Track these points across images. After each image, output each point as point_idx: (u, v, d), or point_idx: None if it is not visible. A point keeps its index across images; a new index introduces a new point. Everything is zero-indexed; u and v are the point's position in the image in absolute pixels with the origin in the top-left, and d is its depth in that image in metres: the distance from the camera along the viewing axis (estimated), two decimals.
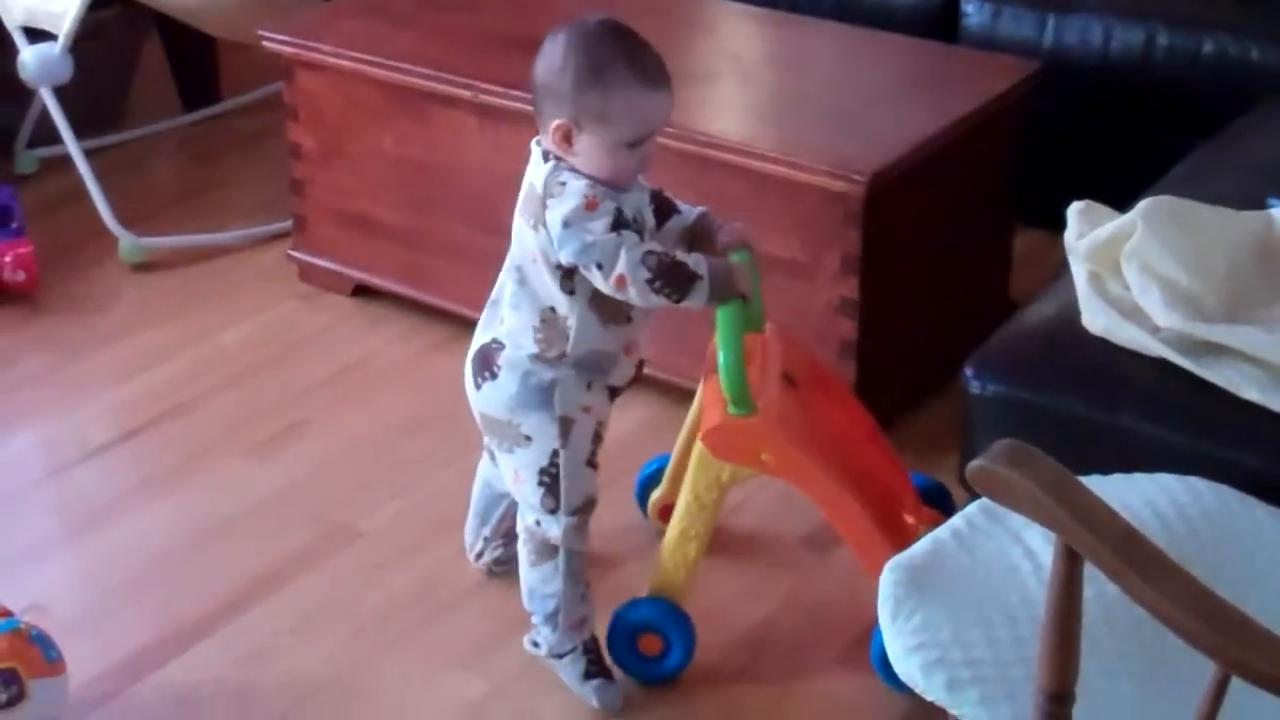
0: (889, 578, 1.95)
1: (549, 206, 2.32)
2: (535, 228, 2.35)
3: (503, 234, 3.23)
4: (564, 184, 2.32)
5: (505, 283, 2.46)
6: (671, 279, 2.32)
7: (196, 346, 3.44)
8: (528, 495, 2.48)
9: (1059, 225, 3.68)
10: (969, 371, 2.39)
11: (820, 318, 3.00)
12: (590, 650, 2.54)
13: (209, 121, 4.44)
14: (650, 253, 2.32)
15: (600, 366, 2.43)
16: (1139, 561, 1.59)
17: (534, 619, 2.54)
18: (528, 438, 2.44)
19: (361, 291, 3.59)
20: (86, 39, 3.78)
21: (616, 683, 2.54)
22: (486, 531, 2.75)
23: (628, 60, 2.31)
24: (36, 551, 2.87)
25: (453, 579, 2.77)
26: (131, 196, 3.93)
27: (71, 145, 3.78)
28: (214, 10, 3.70)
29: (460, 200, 3.34)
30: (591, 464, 2.48)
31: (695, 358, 3.02)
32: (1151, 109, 3.63)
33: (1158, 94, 3.61)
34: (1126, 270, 2.39)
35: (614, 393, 2.50)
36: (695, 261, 2.35)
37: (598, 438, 2.48)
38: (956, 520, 2.07)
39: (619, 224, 2.32)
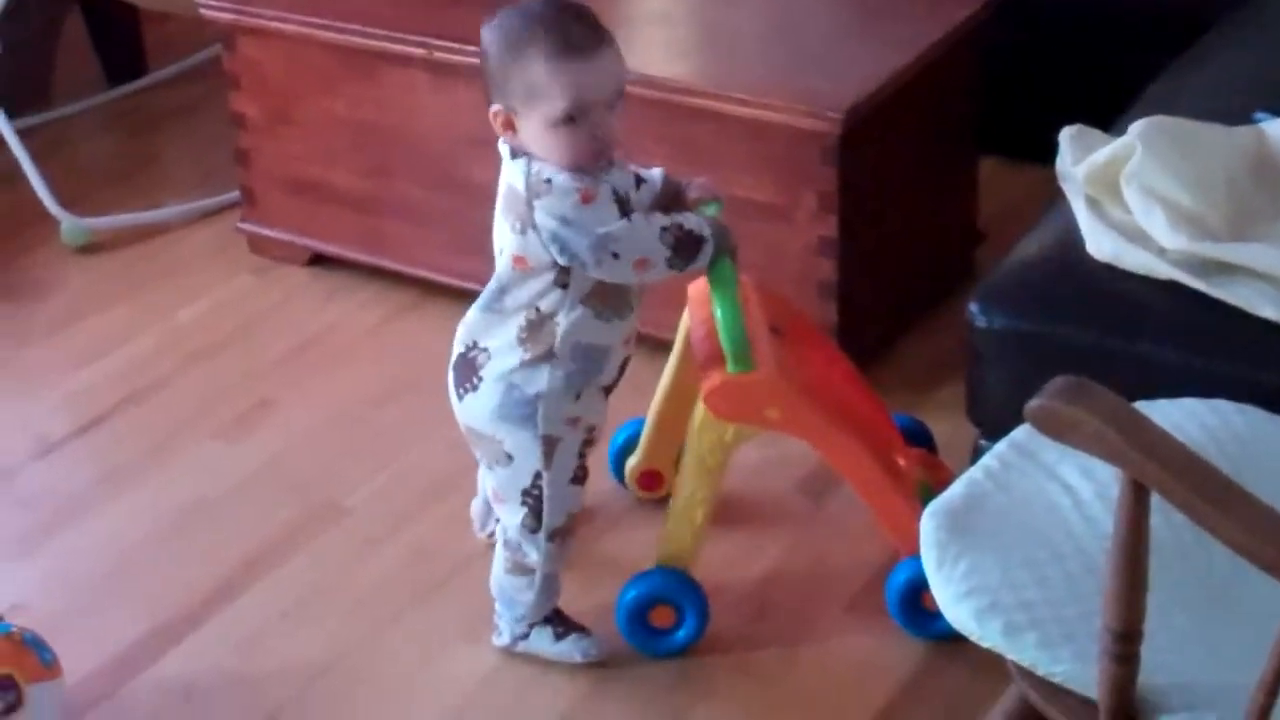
0: (929, 524, 1.90)
1: (536, 207, 2.21)
2: (523, 231, 2.24)
3: (462, 193, 3.18)
4: (549, 181, 2.21)
5: (491, 288, 2.33)
6: (685, 248, 2.26)
7: (152, 328, 3.34)
8: (509, 515, 2.40)
9: (1014, 152, 3.68)
10: (974, 307, 2.34)
11: (798, 260, 2.94)
12: (552, 618, 2.48)
13: (137, 95, 4.29)
14: (664, 229, 2.25)
15: (594, 363, 2.33)
16: (1210, 491, 1.55)
17: (497, 605, 2.49)
18: (509, 456, 2.35)
19: (317, 261, 3.49)
20: (6, 19, 3.65)
21: (591, 633, 2.48)
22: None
23: (546, 29, 2.18)
24: (10, 550, 2.77)
25: (447, 549, 2.70)
26: (66, 178, 3.79)
27: (4, 127, 3.65)
28: None
29: (417, 161, 3.25)
30: (577, 480, 2.40)
31: (655, 305, 2.96)
32: (1106, 29, 3.59)
33: (1116, 15, 3.57)
34: (1127, 193, 2.34)
35: (607, 391, 2.40)
36: (698, 225, 2.29)
37: (588, 445, 2.40)
38: (988, 459, 2.02)
39: (621, 207, 2.24)
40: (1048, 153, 3.68)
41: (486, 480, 2.46)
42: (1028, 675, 1.79)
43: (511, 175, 2.26)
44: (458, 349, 2.37)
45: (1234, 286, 2.21)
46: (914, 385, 3.04)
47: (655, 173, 2.41)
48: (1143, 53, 3.50)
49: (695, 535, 2.47)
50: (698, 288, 2.53)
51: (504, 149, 2.29)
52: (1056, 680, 1.76)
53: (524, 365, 2.29)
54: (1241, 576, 1.84)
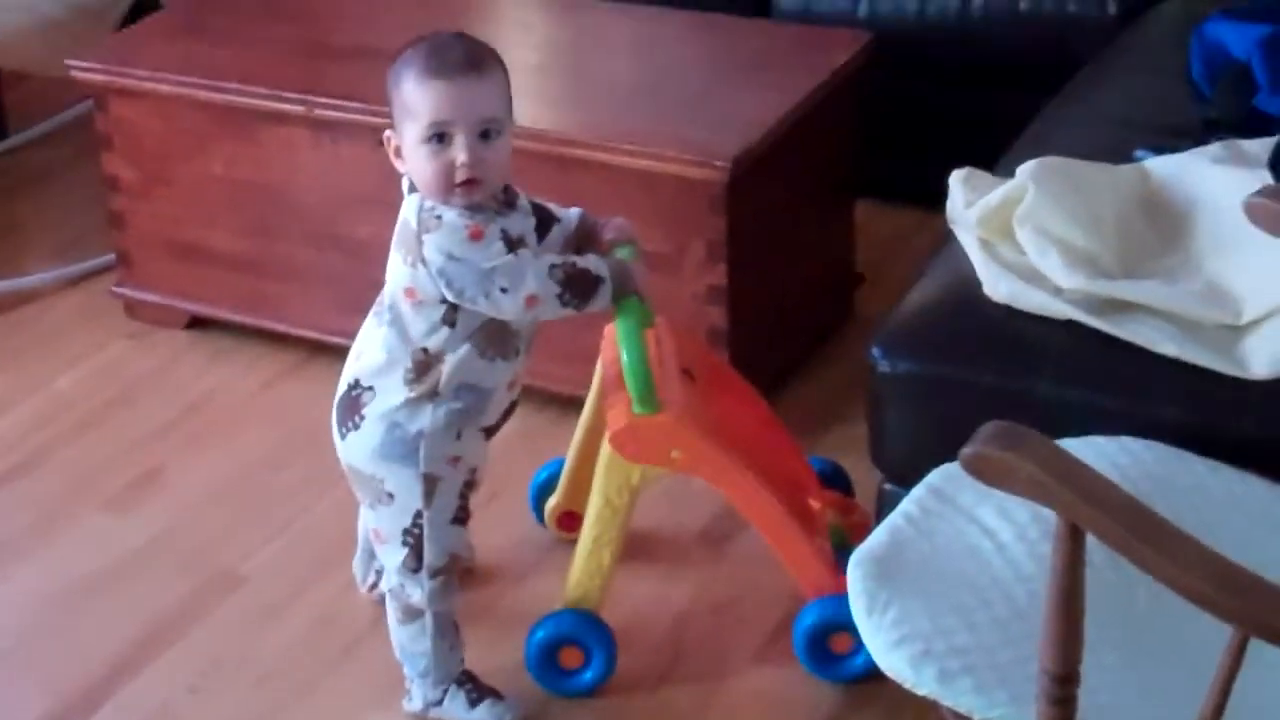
0: (856, 572, 1.91)
1: (425, 242, 2.22)
2: (413, 265, 2.25)
3: (346, 251, 3.16)
4: (439, 217, 2.23)
5: (375, 324, 2.34)
6: (578, 287, 2.27)
7: (30, 397, 3.26)
8: (390, 556, 2.39)
9: (885, 194, 3.72)
10: (876, 351, 2.35)
11: (687, 308, 2.95)
12: (464, 681, 2.46)
13: None
14: (554, 265, 2.25)
15: (476, 404, 2.33)
16: (1147, 532, 1.56)
17: (405, 671, 2.47)
18: (390, 495, 2.35)
19: (195, 324, 3.43)
20: None
21: (505, 698, 2.47)
22: (378, 564, 2.64)
23: (426, 52, 2.24)
24: None
25: (349, 615, 2.67)
26: None
27: None
28: (12, 44, 3.51)
29: (299, 220, 3.22)
30: (459, 520, 2.39)
31: (566, 363, 2.96)
32: (973, 71, 3.65)
33: (978, 56, 3.63)
34: (1020, 234, 2.37)
35: (489, 432, 2.40)
36: (595, 265, 2.30)
37: (469, 487, 2.39)
38: (907, 505, 2.03)
39: (509, 245, 2.24)
40: (918, 194, 3.78)
41: (368, 520, 2.44)
42: None
43: (406, 209, 2.28)
44: (342, 387, 2.37)
45: (1132, 324, 2.24)
46: (804, 428, 3.05)
47: (572, 213, 2.43)
48: (1007, 93, 3.60)
49: (602, 576, 2.47)
50: (612, 332, 2.53)
51: (405, 184, 2.31)
52: None
53: (408, 403, 2.30)
54: (1165, 612, 1.87)
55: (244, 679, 2.56)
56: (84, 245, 3.71)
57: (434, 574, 2.38)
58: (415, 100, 2.21)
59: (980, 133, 3.36)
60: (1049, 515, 1.95)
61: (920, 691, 1.81)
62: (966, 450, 1.61)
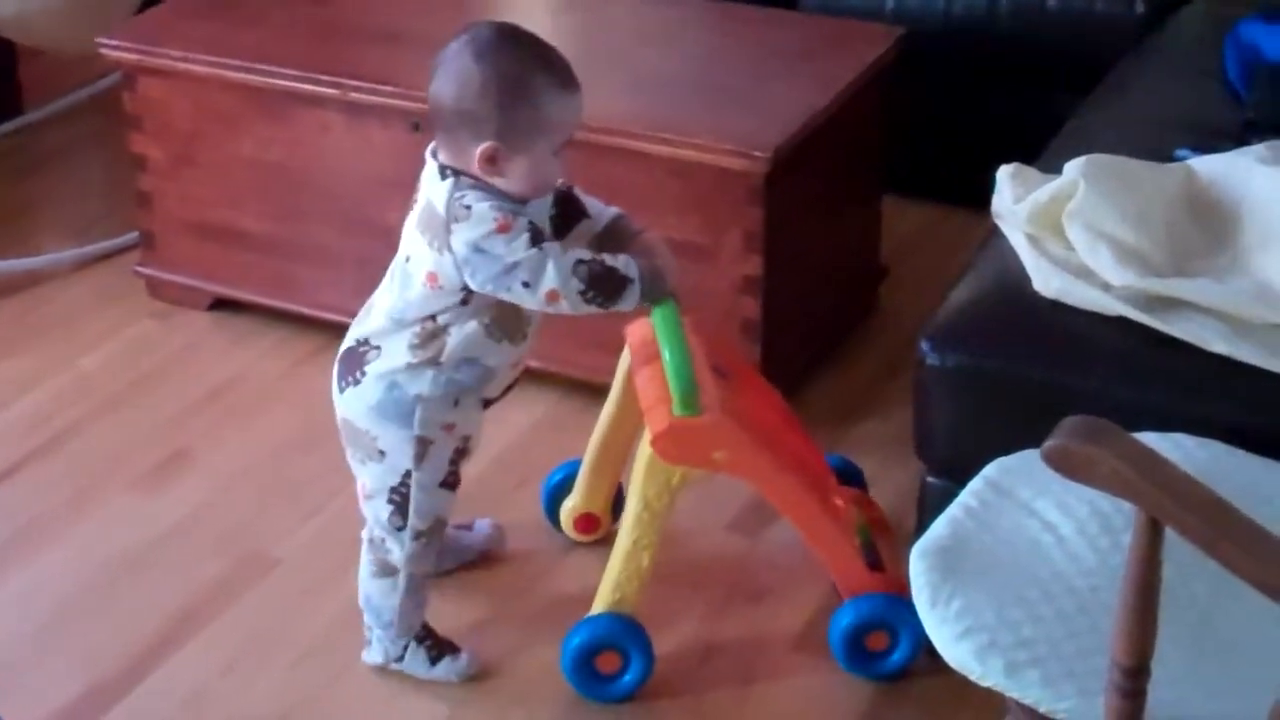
0: (920, 564, 1.91)
1: (454, 231, 2.23)
2: (439, 250, 2.26)
3: (375, 235, 3.14)
4: (469, 207, 2.24)
5: (388, 288, 2.36)
6: (604, 286, 2.27)
7: (55, 377, 3.24)
8: (376, 511, 2.41)
9: (905, 189, 3.72)
10: (925, 345, 2.36)
11: (723, 299, 2.95)
12: (423, 637, 2.48)
13: (13, 136, 4.16)
14: (580, 261, 2.26)
15: (477, 378, 2.35)
16: (1230, 529, 1.57)
17: (366, 620, 2.49)
18: (381, 452, 2.37)
19: (219, 305, 3.42)
20: None
21: (462, 650, 2.49)
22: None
23: (543, 66, 2.26)
24: None
25: None
26: None
27: None
28: (40, 20, 3.49)
29: (329, 203, 3.21)
30: (448, 484, 2.41)
31: (586, 349, 2.96)
32: (998, 68, 3.66)
33: (1004, 53, 3.64)
34: (1070, 231, 2.38)
35: (487, 403, 2.41)
36: (625, 264, 2.30)
37: (461, 454, 2.41)
38: (966, 498, 2.04)
39: (535, 238, 2.24)
40: (938, 189, 3.79)
41: (357, 474, 2.45)
42: (1029, 713, 1.81)
43: (434, 193, 2.27)
44: (347, 342, 2.40)
45: (1183, 322, 2.25)
46: (831, 422, 3.06)
47: (606, 212, 2.42)
48: (1031, 91, 3.62)
49: (640, 579, 2.46)
50: (637, 330, 2.53)
51: (432, 163, 2.30)
52: (1060, 717, 1.78)
53: (409, 367, 2.32)
54: (1224, 609, 1.89)
55: (279, 661, 2.55)
56: (102, 224, 3.69)
57: (416, 535, 2.40)
58: (560, 114, 2.26)
59: (1003, 130, 3.39)
60: (1109, 509, 1.99)
61: (986, 683, 1.82)
62: (1049, 443, 1.62)
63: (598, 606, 2.47)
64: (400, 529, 2.40)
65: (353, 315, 3.18)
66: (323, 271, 3.25)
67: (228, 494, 2.92)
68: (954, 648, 1.84)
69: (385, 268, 2.40)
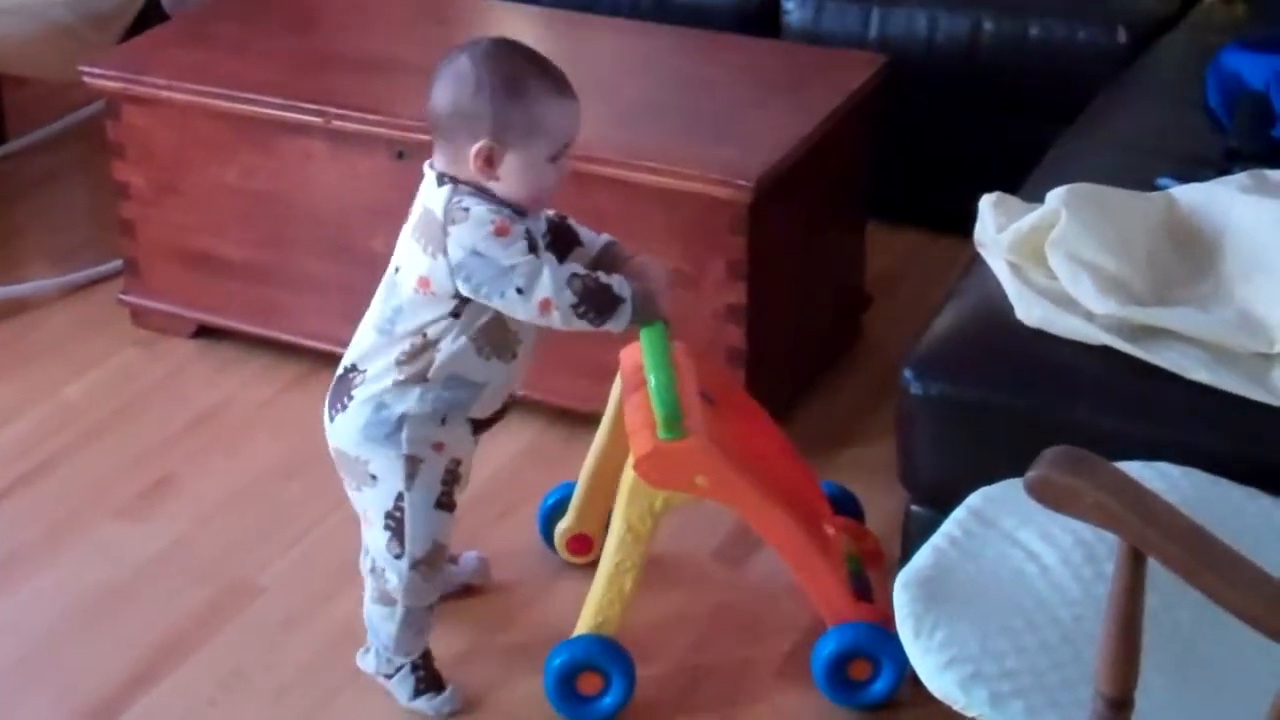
0: (903, 595, 1.91)
1: (450, 234, 2.24)
2: (433, 255, 2.26)
3: (359, 263, 3.14)
4: (467, 210, 2.25)
5: (377, 306, 2.37)
6: (596, 303, 2.27)
7: (39, 405, 3.24)
8: (374, 539, 2.41)
9: (887, 216, 3.73)
10: (908, 374, 2.36)
11: (706, 327, 2.96)
12: (418, 665, 2.48)
13: None
14: (575, 275, 2.26)
15: (464, 396, 2.35)
16: (1212, 559, 1.58)
17: (369, 633, 2.50)
18: (373, 477, 2.37)
19: (203, 333, 3.42)
20: None
21: (447, 689, 2.49)
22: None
23: (540, 71, 2.28)
24: None
25: None
26: None
27: None
28: (23, 49, 3.49)
29: (312, 231, 3.21)
30: (442, 505, 2.40)
31: (571, 376, 2.97)
32: (980, 96, 3.68)
33: (986, 81, 3.65)
34: (1053, 259, 2.39)
35: (477, 426, 2.41)
36: (619, 284, 2.30)
37: (453, 477, 2.40)
38: (949, 527, 2.04)
39: (532, 246, 2.25)
40: (920, 216, 3.80)
41: (354, 503, 2.45)
42: None
43: (432, 199, 2.28)
44: (338, 370, 2.40)
45: (1165, 351, 2.26)
46: (817, 450, 3.06)
47: (599, 239, 2.42)
48: (1013, 118, 3.64)
49: (623, 602, 2.46)
50: (629, 355, 2.53)
51: (430, 173, 2.31)
52: None
53: (396, 385, 2.32)
54: (1208, 637, 1.89)
55: (264, 691, 2.54)
56: (85, 252, 3.69)
57: (414, 564, 2.40)
58: (554, 118, 2.26)
59: (986, 158, 3.39)
60: (1092, 539, 1.99)
61: (970, 714, 1.82)
62: (1031, 474, 1.62)
63: (580, 628, 2.47)
64: (399, 556, 2.39)
65: (337, 342, 3.19)
66: (306, 299, 3.25)
67: (211, 523, 2.92)
68: (938, 678, 1.84)
69: (369, 295, 2.40)
